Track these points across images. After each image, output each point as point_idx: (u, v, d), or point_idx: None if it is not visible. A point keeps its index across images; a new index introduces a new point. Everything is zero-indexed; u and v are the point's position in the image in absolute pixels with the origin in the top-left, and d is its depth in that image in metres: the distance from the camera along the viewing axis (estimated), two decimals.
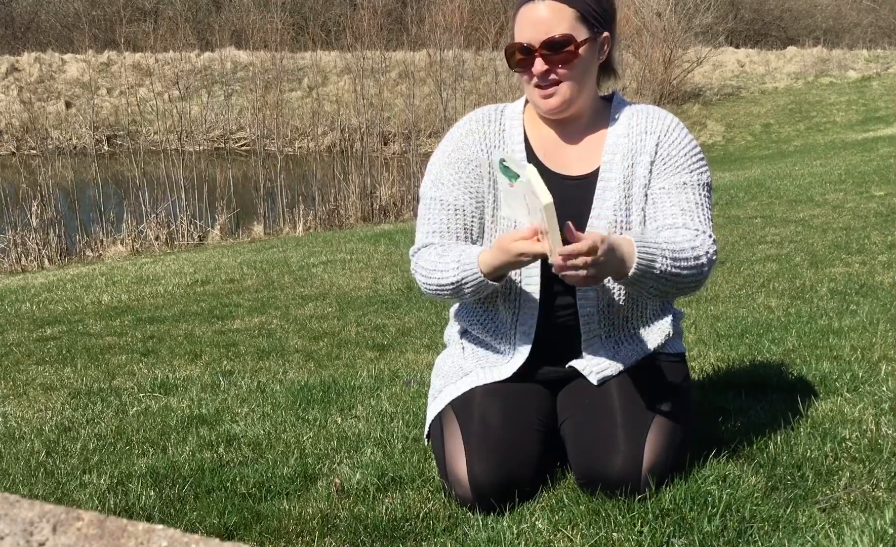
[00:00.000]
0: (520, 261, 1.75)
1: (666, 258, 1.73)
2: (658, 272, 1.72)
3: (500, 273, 1.82)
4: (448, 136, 2.03)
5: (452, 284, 1.86)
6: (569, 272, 1.61)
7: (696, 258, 1.79)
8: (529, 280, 1.93)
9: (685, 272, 1.77)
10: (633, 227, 1.91)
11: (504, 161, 1.72)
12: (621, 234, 1.88)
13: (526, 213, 1.73)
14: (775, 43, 31.87)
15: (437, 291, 1.91)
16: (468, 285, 1.84)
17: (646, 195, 1.92)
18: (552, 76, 1.86)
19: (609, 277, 1.77)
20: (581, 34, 1.85)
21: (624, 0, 23.17)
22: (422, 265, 1.94)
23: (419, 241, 1.99)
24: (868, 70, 26.03)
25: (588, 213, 1.91)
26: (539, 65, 1.85)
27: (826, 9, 35.37)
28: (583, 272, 1.60)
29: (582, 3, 1.87)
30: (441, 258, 1.89)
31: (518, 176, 1.67)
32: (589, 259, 1.59)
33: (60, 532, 0.72)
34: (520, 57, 1.88)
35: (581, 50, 1.86)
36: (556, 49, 1.84)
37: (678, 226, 1.85)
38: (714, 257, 1.84)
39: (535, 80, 1.88)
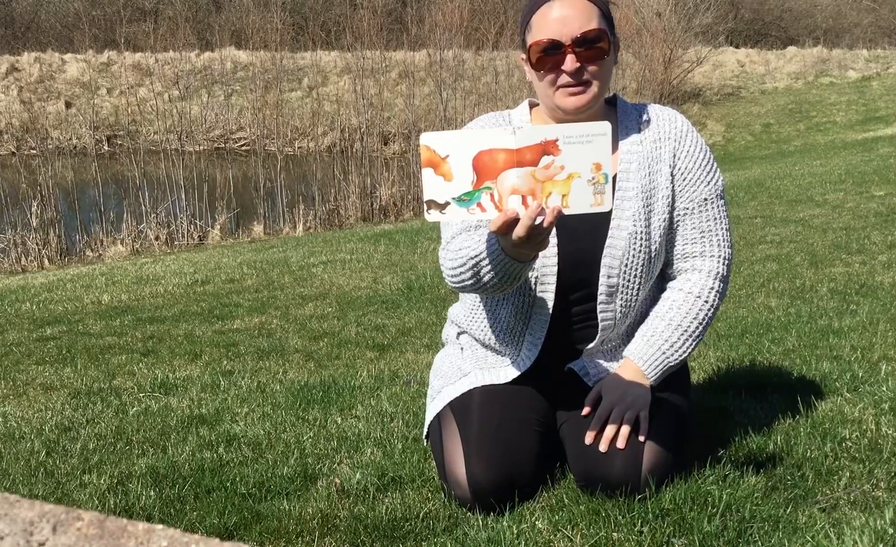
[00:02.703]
0: (505, 237, 1.57)
1: (674, 345, 1.89)
2: (678, 358, 1.90)
3: (516, 254, 1.64)
4: None
5: (472, 257, 1.72)
6: (616, 432, 1.81)
7: (703, 311, 1.92)
8: (544, 293, 1.90)
9: (700, 329, 1.92)
10: (654, 238, 1.89)
11: (456, 199, 1.53)
12: (641, 245, 1.87)
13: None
14: (775, 43, 31.88)
15: (462, 271, 1.78)
16: (486, 261, 1.70)
17: (669, 210, 1.91)
18: (584, 75, 1.82)
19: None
20: (608, 32, 1.85)
21: (624, 0, 23.19)
22: (452, 247, 1.82)
23: (449, 235, 1.89)
24: (868, 70, 26.05)
25: (608, 224, 1.87)
26: (571, 62, 1.80)
27: (826, 9, 35.38)
28: (621, 425, 1.81)
29: (602, 2, 1.86)
30: (470, 236, 1.81)
31: (472, 194, 1.52)
32: (613, 410, 1.81)
33: (60, 532, 0.72)
34: (545, 56, 1.82)
35: (610, 47, 1.85)
36: (590, 45, 1.80)
37: (696, 254, 1.94)
38: (723, 284, 1.96)
39: (561, 79, 1.82)
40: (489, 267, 1.71)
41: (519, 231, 1.51)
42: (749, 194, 8.98)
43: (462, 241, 1.80)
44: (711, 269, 1.93)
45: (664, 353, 1.88)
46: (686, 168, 1.92)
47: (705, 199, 1.93)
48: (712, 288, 1.92)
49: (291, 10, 22.58)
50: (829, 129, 20.43)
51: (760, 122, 21.89)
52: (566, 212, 1.50)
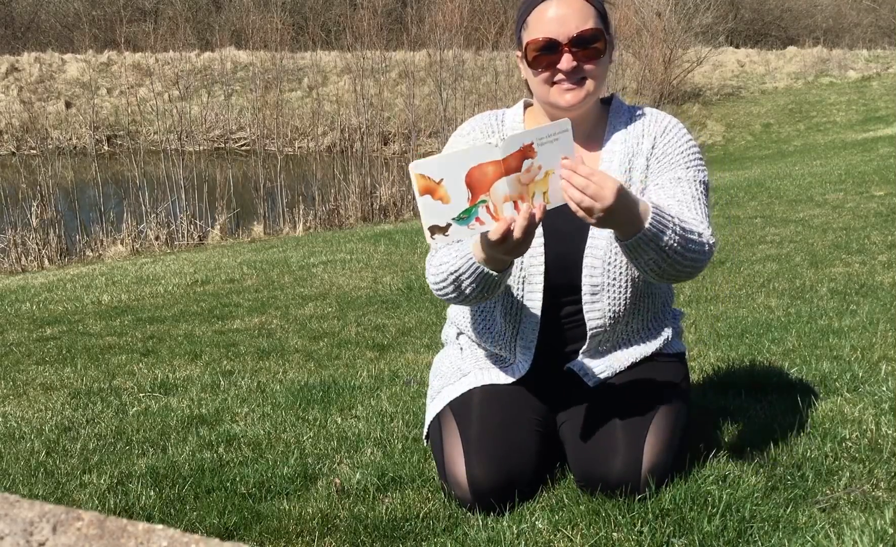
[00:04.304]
0: (495, 242, 1.58)
1: (675, 232, 1.66)
2: (664, 244, 1.65)
3: (495, 260, 1.67)
4: (451, 142, 2.02)
5: (452, 273, 1.76)
6: (572, 188, 1.54)
7: (700, 243, 1.73)
8: (532, 296, 1.91)
9: (689, 253, 1.70)
10: None
11: (457, 219, 1.55)
12: None
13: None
14: (775, 43, 31.87)
15: (444, 285, 1.80)
16: (465, 275, 1.74)
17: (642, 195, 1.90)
18: (580, 74, 1.83)
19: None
20: (604, 31, 1.86)
21: (624, 0, 23.20)
22: (434, 262, 1.85)
23: (435, 248, 1.87)
24: (868, 70, 26.04)
25: (588, 223, 1.88)
26: (567, 61, 1.81)
27: (826, 9, 35.38)
28: (579, 194, 1.53)
29: (598, 1, 1.87)
30: (450, 250, 1.81)
31: (469, 210, 1.53)
32: (592, 178, 1.52)
33: (60, 532, 0.72)
34: (542, 54, 1.83)
35: (606, 47, 1.86)
36: (586, 44, 1.82)
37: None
38: (713, 248, 1.79)
39: (557, 77, 1.84)
40: (469, 280, 1.75)
41: (517, 233, 1.55)
42: (749, 194, 8.98)
43: (442, 257, 1.83)
44: (697, 221, 1.79)
45: (672, 221, 1.67)
46: (663, 153, 1.90)
47: (679, 178, 1.85)
48: (704, 230, 1.77)
49: (291, 10, 22.61)
50: (829, 129, 20.43)
51: (760, 122, 21.89)
52: (549, 207, 1.58)
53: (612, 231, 1.75)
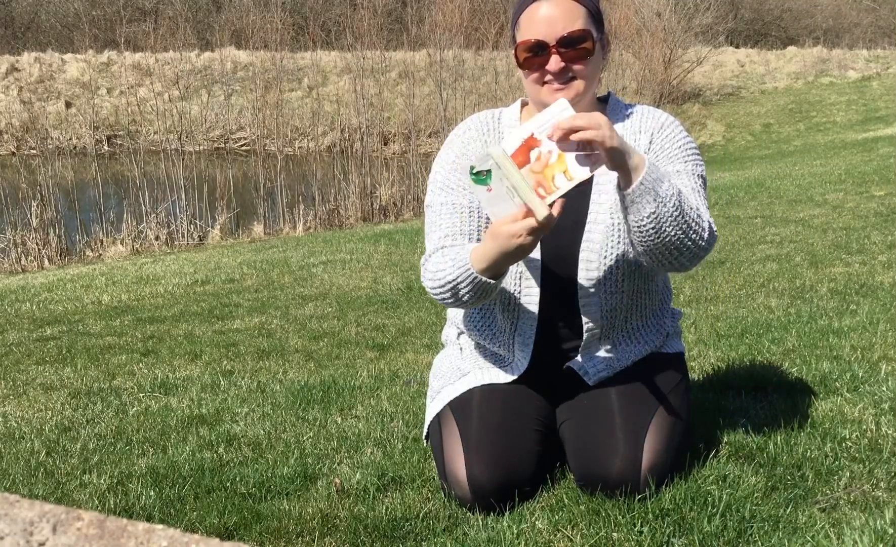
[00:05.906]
0: (512, 243, 1.63)
1: (673, 189, 1.68)
2: (664, 196, 1.66)
3: (495, 267, 1.71)
4: (448, 143, 2.03)
5: (449, 282, 1.79)
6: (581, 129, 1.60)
7: (699, 217, 1.74)
8: (529, 292, 1.92)
9: (688, 219, 1.71)
10: None
11: (473, 169, 1.63)
12: (619, 237, 1.87)
13: (515, 204, 1.64)
14: (775, 43, 31.88)
15: (441, 292, 1.83)
16: (463, 284, 1.77)
17: None
18: (569, 74, 1.84)
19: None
20: (593, 32, 1.86)
21: (624, 0, 23.20)
22: (430, 268, 1.87)
23: (432, 246, 1.93)
24: (868, 70, 26.05)
25: (585, 217, 1.90)
26: (555, 62, 1.83)
27: (826, 9, 35.39)
28: (581, 121, 1.60)
29: (590, 1, 1.88)
30: (445, 256, 1.85)
31: (489, 172, 1.60)
32: (601, 123, 1.60)
33: (60, 532, 0.72)
34: (531, 55, 1.85)
35: (595, 47, 1.86)
36: (574, 45, 1.82)
37: None
38: (714, 236, 1.80)
39: (546, 78, 1.85)
40: (466, 288, 1.77)
41: (556, 209, 1.60)
42: (749, 194, 8.98)
43: (438, 265, 1.85)
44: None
45: (670, 180, 1.72)
46: (661, 148, 1.91)
47: (678, 171, 1.87)
48: (708, 217, 1.80)
49: (291, 10, 22.56)
50: (829, 129, 20.43)
51: (760, 122, 21.89)
52: (572, 183, 1.62)
53: (608, 226, 1.84)
